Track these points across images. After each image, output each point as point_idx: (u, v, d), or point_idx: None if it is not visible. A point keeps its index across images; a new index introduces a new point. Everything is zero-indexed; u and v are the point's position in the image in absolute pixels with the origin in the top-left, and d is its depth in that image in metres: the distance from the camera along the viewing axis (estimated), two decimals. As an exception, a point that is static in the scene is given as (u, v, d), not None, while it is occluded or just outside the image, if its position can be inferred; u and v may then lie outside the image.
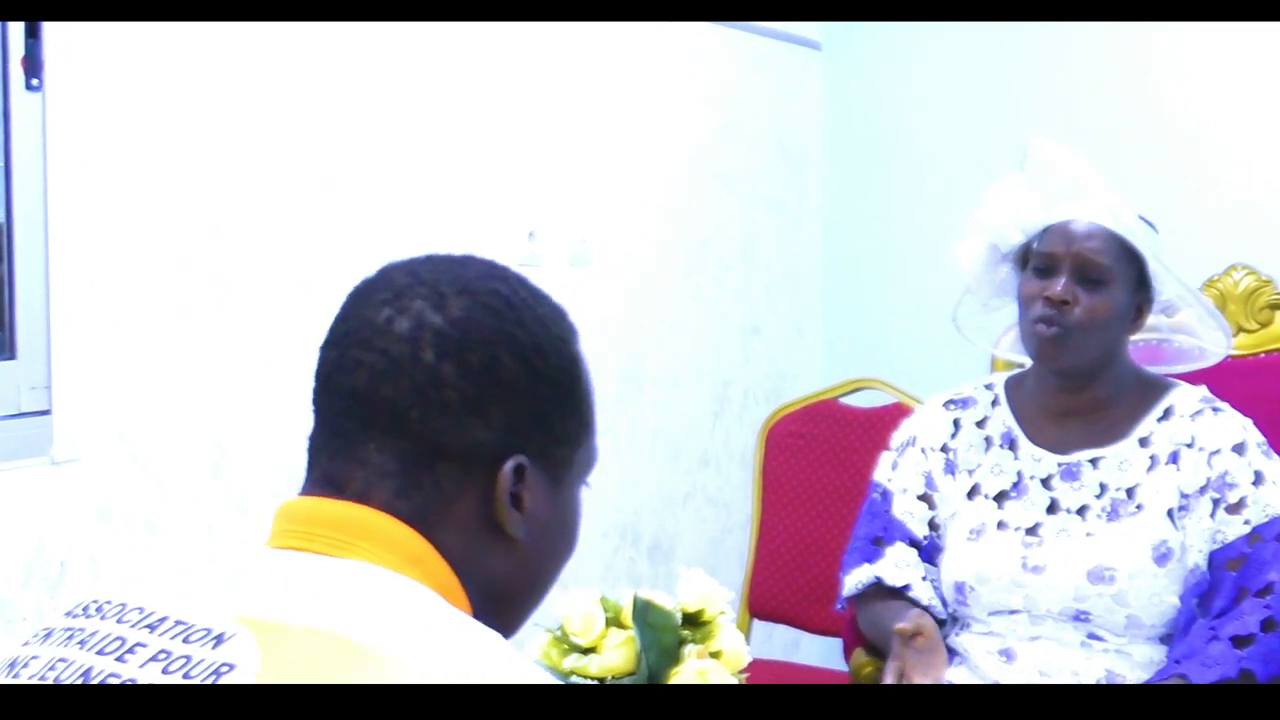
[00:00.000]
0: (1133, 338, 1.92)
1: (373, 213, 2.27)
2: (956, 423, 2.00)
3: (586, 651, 1.53)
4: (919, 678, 1.68)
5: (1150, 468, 1.85)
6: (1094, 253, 1.81)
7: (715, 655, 1.53)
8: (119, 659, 0.76)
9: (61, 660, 0.78)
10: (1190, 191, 2.80)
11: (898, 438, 2.06)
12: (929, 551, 1.96)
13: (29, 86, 1.83)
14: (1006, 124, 2.94)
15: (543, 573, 0.92)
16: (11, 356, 1.85)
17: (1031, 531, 1.86)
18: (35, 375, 1.86)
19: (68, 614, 0.83)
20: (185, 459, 2.03)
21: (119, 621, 0.79)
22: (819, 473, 2.75)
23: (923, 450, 2.00)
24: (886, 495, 2.00)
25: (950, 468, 1.97)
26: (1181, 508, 1.82)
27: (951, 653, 1.88)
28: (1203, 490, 1.81)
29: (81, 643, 0.79)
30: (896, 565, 1.94)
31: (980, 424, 1.98)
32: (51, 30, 1.83)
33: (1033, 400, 1.95)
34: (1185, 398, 1.89)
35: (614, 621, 1.54)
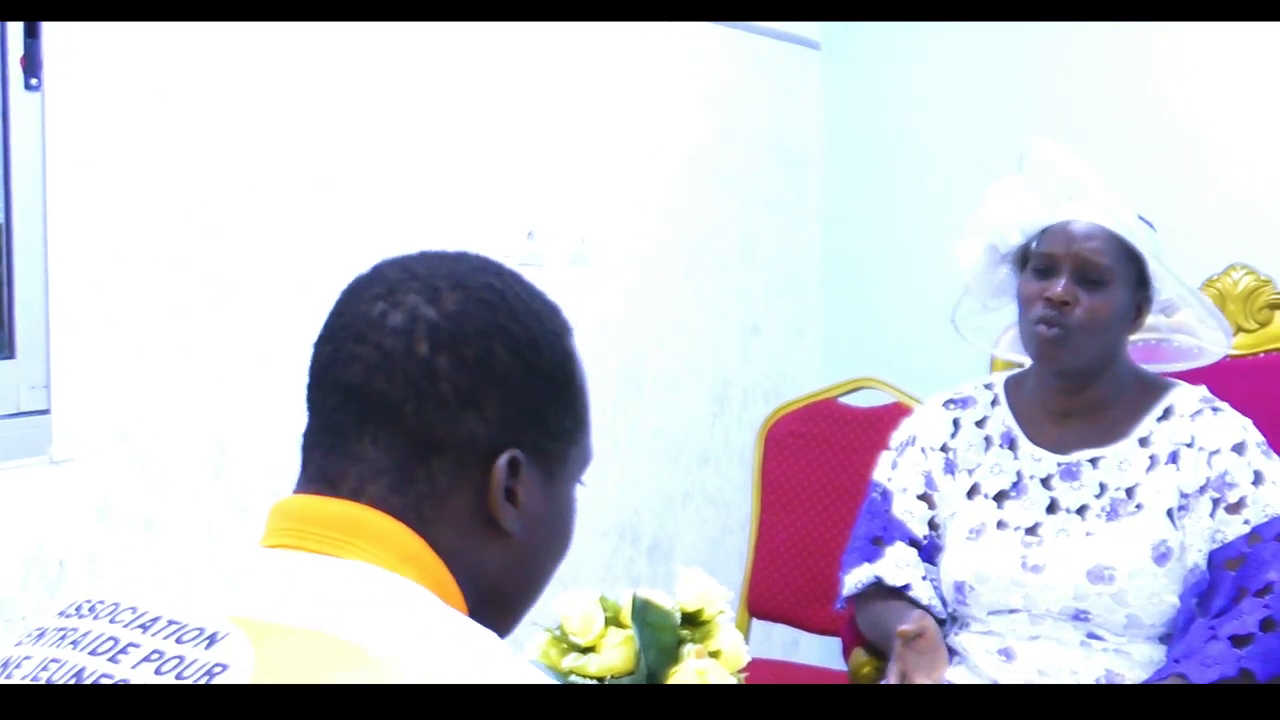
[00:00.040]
0: (1132, 337, 1.92)
1: (372, 212, 2.27)
2: (956, 422, 2.00)
3: (585, 651, 1.53)
4: (921, 678, 1.68)
5: (1150, 467, 1.85)
6: (1094, 253, 1.81)
7: (714, 655, 1.53)
8: (112, 659, 0.76)
9: (54, 661, 0.78)
10: (1190, 191, 2.80)
11: (897, 437, 2.06)
12: (929, 551, 1.96)
13: (28, 86, 1.83)
14: (1006, 124, 2.94)
15: (537, 570, 0.91)
16: (10, 356, 1.85)
17: (1031, 531, 1.86)
18: (34, 374, 1.86)
19: (61, 614, 0.82)
20: (184, 458, 2.03)
21: (112, 621, 0.79)
22: (818, 472, 2.75)
23: (922, 450, 2.00)
24: (886, 495, 2.00)
25: (950, 467, 1.97)
26: (1181, 507, 1.82)
27: (951, 652, 1.88)
28: (1202, 490, 1.81)
29: (74, 643, 0.78)
30: (896, 565, 1.94)
31: (980, 424, 1.98)
32: (50, 30, 1.83)
33: (1032, 400, 1.95)
34: (1185, 397, 1.89)
35: (613, 621, 1.53)
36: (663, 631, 1.51)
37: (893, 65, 3.23)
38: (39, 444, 1.86)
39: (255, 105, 2.09)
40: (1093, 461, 1.88)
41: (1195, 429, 1.85)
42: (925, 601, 1.92)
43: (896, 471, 2.01)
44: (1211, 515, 1.80)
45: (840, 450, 2.74)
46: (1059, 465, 1.89)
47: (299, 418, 0.89)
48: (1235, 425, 1.85)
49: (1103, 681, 1.79)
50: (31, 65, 1.82)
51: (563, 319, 0.92)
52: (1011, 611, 1.85)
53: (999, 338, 2.07)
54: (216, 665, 0.73)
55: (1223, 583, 1.78)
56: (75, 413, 1.89)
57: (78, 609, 0.82)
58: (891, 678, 1.71)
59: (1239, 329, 2.37)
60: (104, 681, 0.75)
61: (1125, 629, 1.81)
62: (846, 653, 2.14)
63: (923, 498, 1.98)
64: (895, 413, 2.47)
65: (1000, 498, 1.91)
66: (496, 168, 2.51)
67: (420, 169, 2.36)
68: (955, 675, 1.87)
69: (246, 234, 2.09)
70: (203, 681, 0.73)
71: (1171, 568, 1.80)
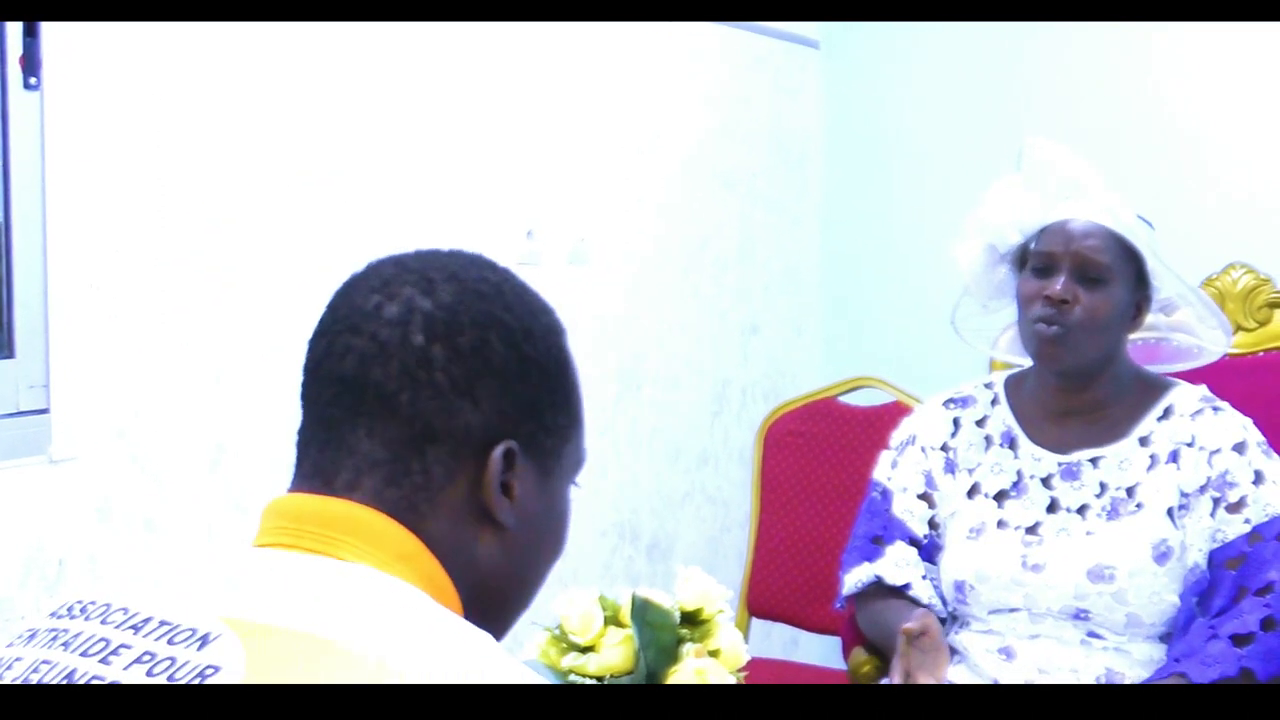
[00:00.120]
0: (1131, 336, 1.92)
1: (371, 212, 2.27)
2: (956, 421, 2.00)
3: (585, 650, 1.52)
4: (924, 677, 1.68)
5: (1150, 467, 1.85)
6: (1093, 251, 1.81)
7: (714, 654, 1.53)
8: (103, 661, 0.75)
9: (45, 662, 0.77)
10: (1189, 191, 2.80)
11: (897, 436, 2.05)
12: (929, 550, 1.96)
13: (27, 85, 1.83)
14: (1006, 124, 2.94)
15: (531, 568, 0.91)
16: (10, 355, 1.85)
17: (1031, 530, 1.86)
18: (34, 374, 1.86)
19: (52, 615, 0.82)
20: (184, 458, 2.02)
21: (103, 622, 0.78)
22: (818, 471, 2.75)
23: (922, 449, 2.00)
24: (886, 494, 2.00)
25: (950, 466, 1.97)
26: (1181, 507, 1.82)
27: (951, 651, 1.88)
28: (1203, 489, 1.81)
29: (65, 644, 0.78)
30: (896, 564, 1.94)
31: (980, 423, 1.98)
32: (49, 29, 1.83)
33: (1032, 399, 1.95)
34: (1185, 397, 1.89)
35: (612, 620, 1.53)
36: (662, 631, 1.51)
37: (892, 65, 3.23)
38: (38, 443, 1.86)
39: (254, 105, 2.09)
40: (1093, 461, 1.88)
41: (1196, 428, 1.85)
42: (925, 601, 1.92)
43: (896, 471, 2.01)
44: (1212, 514, 1.80)
45: (840, 449, 2.74)
46: (1059, 465, 1.89)
47: (297, 416, 0.89)
48: (1236, 424, 1.85)
49: (1103, 680, 1.79)
50: (30, 65, 1.82)
51: (557, 318, 0.92)
52: (1012, 610, 1.85)
53: (997, 338, 2.07)
54: (209, 667, 0.73)
55: (1223, 582, 1.78)
56: (74, 412, 1.89)
57: (69, 610, 0.81)
58: (895, 676, 1.71)
59: (1238, 328, 2.37)
60: (95, 683, 0.74)
61: (1125, 628, 1.80)
62: (846, 652, 2.14)
63: (923, 497, 1.98)
64: (895, 412, 2.47)
65: (1000, 497, 1.91)
66: (495, 167, 2.51)
67: (419, 168, 2.36)
68: (955, 674, 1.87)
69: (246, 233, 2.09)
70: (195, 683, 0.72)
71: (1172, 567, 1.80)
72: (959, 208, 1.99)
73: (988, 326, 2.07)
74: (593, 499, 2.70)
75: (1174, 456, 1.84)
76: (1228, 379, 2.02)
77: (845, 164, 3.32)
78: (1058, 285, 1.81)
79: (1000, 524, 1.88)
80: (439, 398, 0.84)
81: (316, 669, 0.71)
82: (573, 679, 1.51)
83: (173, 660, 0.74)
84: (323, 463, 0.85)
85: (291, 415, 0.90)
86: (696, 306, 3.01)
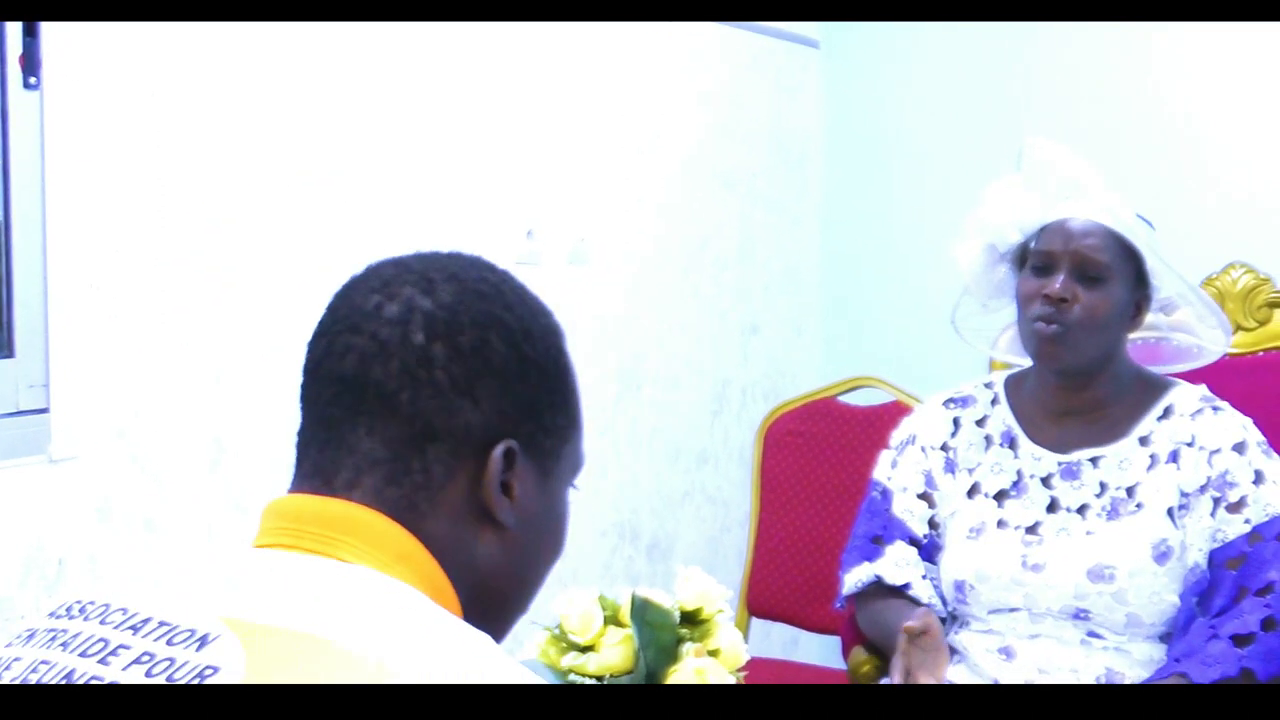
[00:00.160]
0: (1131, 336, 1.92)
1: (371, 211, 2.27)
2: (956, 421, 2.00)
3: (584, 650, 1.52)
4: (925, 676, 1.68)
5: (1150, 466, 1.85)
6: (1092, 250, 1.81)
7: (713, 653, 1.53)
8: (101, 661, 0.75)
9: (44, 663, 0.77)
10: (1189, 190, 2.80)
11: (897, 436, 2.05)
12: (928, 550, 1.96)
13: (27, 85, 1.83)
14: (1006, 124, 2.94)
15: (529, 569, 0.91)
16: (9, 354, 1.85)
17: (1031, 530, 1.86)
18: (33, 373, 1.86)
19: (51, 615, 0.82)
20: (183, 457, 2.02)
21: (102, 623, 0.78)
22: (817, 471, 2.75)
23: (922, 449, 2.00)
24: (886, 494, 2.00)
25: (950, 466, 1.97)
26: (1181, 506, 1.82)
27: (951, 651, 1.88)
28: (1203, 489, 1.81)
29: (64, 645, 0.78)
30: (896, 564, 1.94)
31: (980, 423, 1.98)
32: (49, 29, 1.83)
33: (1032, 399, 1.95)
34: (1185, 397, 1.89)
35: (612, 620, 1.53)
36: (662, 630, 1.51)
37: (892, 65, 3.23)
38: (38, 443, 1.86)
39: (254, 104, 2.09)
40: (1093, 460, 1.88)
41: (1196, 428, 1.85)
42: (925, 600, 1.92)
43: (896, 470, 2.01)
44: (1212, 514, 1.80)
45: (839, 449, 2.74)
46: (1059, 464, 1.89)
47: (297, 415, 0.89)
48: (1236, 424, 1.85)
49: (1103, 680, 1.79)
50: (30, 64, 1.82)
51: (556, 320, 0.92)
52: (1012, 610, 1.85)
53: (997, 338, 2.07)
54: (208, 667, 0.73)
55: (1223, 582, 1.78)
56: (74, 411, 1.89)
57: (68, 610, 0.81)
58: (895, 674, 1.70)
59: (1238, 327, 2.37)
60: (94, 683, 0.74)
61: (1125, 628, 1.80)
62: (846, 651, 2.14)
63: (923, 497, 1.98)
64: (894, 412, 2.47)
65: (1000, 497, 1.91)
66: (495, 166, 2.51)
67: (419, 168, 2.36)
68: (955, 674, 1.87)
69: (245, 232, 2.09)
70: (194, 683, 0.72)
71: (1172, 567, 1.80)
72: (959, 208, 1.99)
73: (988, 326, 2.07)
74: (593, 498, 2.70)
75: (1174, 456, 1.84)
76: (1227, 379, 2.02)
77: (845, 164, 3.32)
78: (1057, 284, 1.81)
79: (1000, 524, 1.88)
80: (439, 396, 0.84)
81: (316, 669, 0.71)
82: (572, 678, 1.51)
83: (172, 661, 0.74)
84: (322, 462, 0.85)
85: (291, 415, 0.90)
86: (696, 306, 3.01)
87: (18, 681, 0.77)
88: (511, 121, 2.53)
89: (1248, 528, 1.78)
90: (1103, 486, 1.86)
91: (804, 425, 2.78)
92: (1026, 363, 1.97)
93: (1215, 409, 1.87)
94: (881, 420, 2.55)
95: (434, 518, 0.84)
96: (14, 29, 1.81)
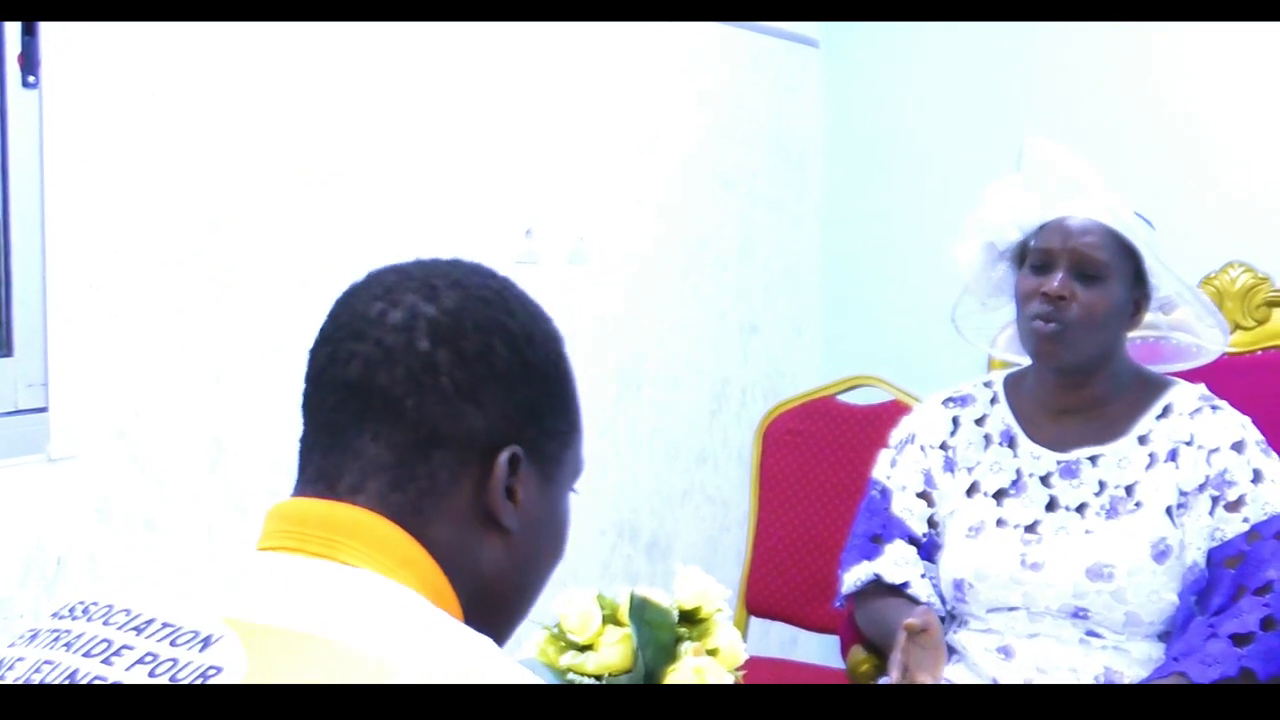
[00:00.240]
0: (1131, 335, 1.92)
1: (370, 210, 2.27)
2: (955, 420, 2.00)
3: (583, 649, 1.52)
4: (923, 675, 1.68)
5: (1149, 465, 1.85)
6: (1090, 248, 1.82)
7: (712, 653, 1.53)
8: (105, 661, 0.76)
9: (47, 663, 0.78)
10: (1188, 190, 2.81)
11: (896, 435, 2.06)
12: (928, 549, 1.96)
13: (25, 84, 1.83)
14: (1006, 124, 2.94)
15: (531, 573, 0.91)
16: (8, 354, 1.85)
17: (1030, 529, 1.86)
18: (32, 372, 1.86)
19: (54, 615, 0.82)
20: (183, 456, 2.02)
21: (105, 623, 0.78)
22: (816, 470, 2.75)
23: (922, 448, 2.00)
24: (885, 493, 2.00)
25: (949, 465, 1.97)
26: (1180, 505, 1.82)
27: (950, 650, 1.88)
28: (1201, 488, 1.82)
29: (68, 645, 0.78)
30: (895, 563, 1.94)
31: (979, 422, 1.98)
32: (48, 28, 1.83)
33: (1032, 398, 1.95)
34: (1184, 395, 1.89)
35: (611, 619, 1.53)
36: (660, 629, 1.51)
37: (892, 64, 3.23)
38: (37, 442, 1.86)
39: (253, 103, 2.09)
40: (1092, 459, 1.88)
41: (1194, 427, 1.85)
42: (924, 599, 1.92)
43: (896, 469, 2.01)
44: (1211, 513, 1.80)
45: (838, 448, 2.74)
46: (1058, 463, 1.89)
47: (298, 415, 0.89)
48: (1234, 423, 1.85)
49: (1101, 679, 1.80)
50: (29, 63, 1.82)
51: (555, 326, 0.93)
52: (1010, 609, 1.85)
53: (996, 336, 2.07)
54: (211, 668, 0.73)
55: (1222, 581, 1.78)
56: (73, 411, 1.89)
57: (71, 610, 0.82)
58: (894, 671, 1.70)
59: (1237, 326, 2.37)
60: (97, 684, 0.75)
61: (1124, 627, 1.81)
62: (845, 650, 2.14)
63: (922, 495, 1.98)
64: (894, 411, 2.47)
65: (999, 495, 1.91)
66: (495, 166, 2.50)
67: (419, 168, 2.36)
68: (954, 673, 1.87)
69: (245, 232, 2.09)
70: (196, 684, 0.72)
71: (1170, 565, 1.80)
72: (959, 208, 1.99)
73: (987, 324, 2.07)
74: (592, 498, 2.70)
75: (1173, 455, 1.84)
76: (1226, 378, 2.02)
77: (845, 164, 3.32)
78: (1055, 282, 1.81)
79: (999, 522, 1.88)
80: (444, 402, 0.84)
81: (317, 670, 0.72)
82: (571, 678, 1.51)
83: (175, 661, 0.74)
84: (326, 467, 0.85)
85: (292, 415, 0.90)
86: (696, 306, 3.01)
87: (21, 681, 0.78)
88: (511, 121, 2.53)
89: (1246, 526, 1.79)
90: (1101, 485, 1.86)
91: (803, 424, 2.78)
92: (1026, 361, 1.97)
93: (1214, 408, 1.87)
94: (881, 419, 2.55)
95: (438, 523, 0.85)
96: (13, 28, 1.81)
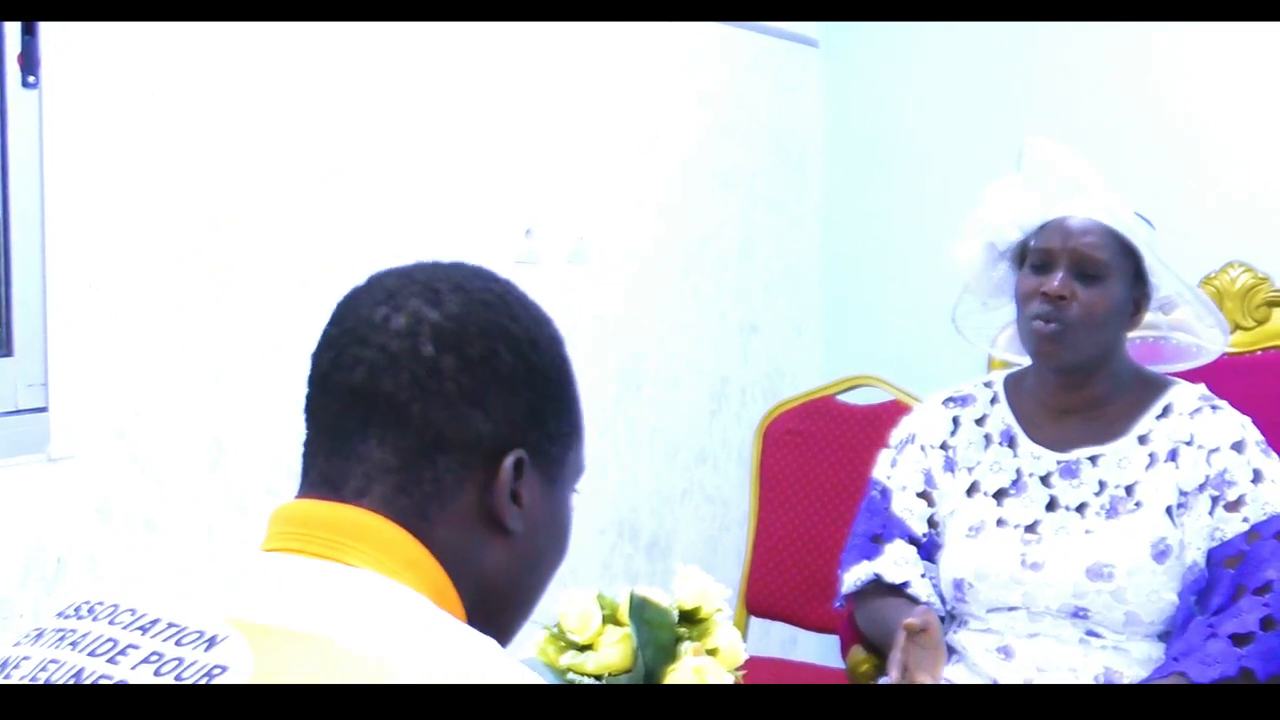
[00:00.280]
0: (1131, 335, 1.92)
1: (370, 210, 2.27)
2: (956, 420, 2.00)
3: (583, 648, 1.52)
4: (923, 675, 1.68)
5: (1149, 465, 1.85)
6: (1090, 248, 1.82)
7: (712, 652, 1.53)
8: (110, 660, 0.76)
9: (53, 661, 0.78)
10: (1188, 190, 2.81)
11: (897, 435, 2.06)
12: (928, 549, 1.96)
13: (25, 84, 1.83)
14: (1006, 124, 2.94)
15: (535, 574, 0.92)
16: (8, 353, 1.85)
17: (1030, 529, 1.86)
18: (32, 372, 1.86)
19: (59, 615, 0.83)
20: (183, 456, 2.02)
21: (111, 623, 0.79)
22: (816, 470, 2.75)
23: (922, 448, 2.00)
24: (886, 492, 2.00)
25: (949, 465, 1.97)
26: (1180, 505, 1.82)
27: (950, 650, 1.88)
28: (1201, 488, 1.82)
29: (73, 644, 0.79)
30: (895, 562, 1.94)
31: (979, 421, 1.98)
32: (48, 28, 1.83)
33: (1032, 398, 1.95)
34: (1184, 395, 1.89)
35: (611, 618, 1.53)
36: (660, 629, 1.51)
37: (892, 64, 3.23)
38: (37, 442, 1.86)
39: (254, 105, 2.09)
40: (1092, 459, 1.88)
41: (1194, 427, 1.85)
42: (924, 599, 1.92)
43: (896, 469, 2.01)
44: (1210, 513, 1.80)
45: (838, 448, 2.74)
46: (1058, 463, 1.89)
47: (298, 415, 0.89)
48: (1234, 423, 1.85)
49: (1101, 679, 1.80)
50: (29, 63, 1.82)
51: (557, 328, 0.93)
52: (1010, 609, 1.85)
53: (996, 336, 2.07)
54: (216, 667, 0.73)
55: (1221, 580, 1.78)
56: (73, 410, 1.89)
57: (76, 610, 0.82)
58: (893, 671, 1.70)
59: (1237, 326, 2.37)
60: (103, 682, 0.75)
61: (1124, 626, 1.81)
62: (845, 650, 2.14)
63: (922, 495, 1.98)
64: (894, 410, 2.47)
65: (1000, 495, 1.91)
66: (495, 165, 2.51)
67: (419, 168, 2.36)
68: (954, 673, 1.87)
69: (244, 231, 2.09)
70: (202, 683, 0.73)
71: (1170, 565, 1.80)
72: (959, 208, 1.99)
73: (988, 324, 2.07)
74: (592, 498, 2.70)
75: (1173, 455, 1.84)
76: (1226, 378, 2.02)
77: (845, 164, 3.32)
78: (1055, 281, 1.81)
79: (999, 522, 1.88)
80: (450, 407, 0.85)
81: (323, 670, 0.72)
82: (571, 677, 1.51)
83: (180, 660, 0.74)
84: (330, 471, 0.86)
85: (292, 415, 0.90)
86: (696, 306, 3.01)
87: (27, 680, 0.78)
88: (511, 121, 2.53)
89: (1246, 526, 1.79)
90: (1101, 485, 1.86)
91: (803, 424, 2.78)
92: (1026, 361, 1.97)
93: (1214, 408, 1.87)
94: (881, 419, 2.54)
95: (444, 526, 0.85)
96: (13, 28, 1.81)
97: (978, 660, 1.87)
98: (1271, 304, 2.41)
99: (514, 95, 2.53)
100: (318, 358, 0.88)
